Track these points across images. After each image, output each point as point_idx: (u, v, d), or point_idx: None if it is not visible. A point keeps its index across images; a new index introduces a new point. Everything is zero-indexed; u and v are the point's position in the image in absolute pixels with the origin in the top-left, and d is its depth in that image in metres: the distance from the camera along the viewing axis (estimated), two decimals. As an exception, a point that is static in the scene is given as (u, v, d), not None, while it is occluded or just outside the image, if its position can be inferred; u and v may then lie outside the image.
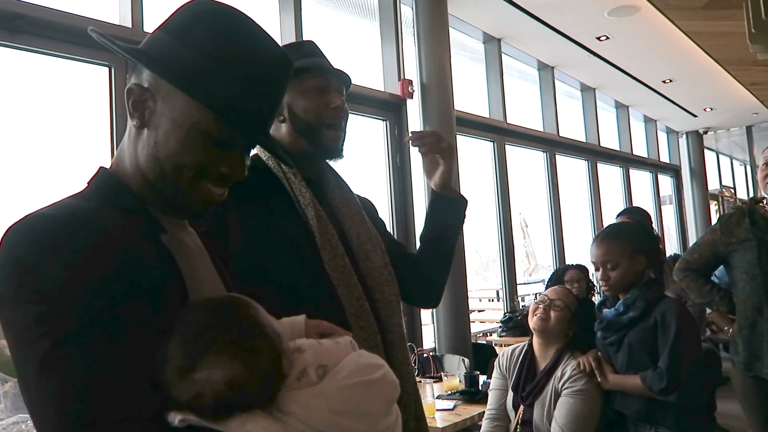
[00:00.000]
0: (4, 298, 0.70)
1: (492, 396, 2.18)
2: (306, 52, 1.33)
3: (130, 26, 2.72)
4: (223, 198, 0.85)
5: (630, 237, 1.98)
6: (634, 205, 7.41)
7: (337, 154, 1.31)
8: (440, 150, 1.40)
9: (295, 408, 0.69)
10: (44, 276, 0.68)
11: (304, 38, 3.42)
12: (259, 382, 0.69)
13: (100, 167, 0.86)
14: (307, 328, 0.85)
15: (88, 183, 0.84)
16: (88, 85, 2.72)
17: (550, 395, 1.96)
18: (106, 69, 2.63)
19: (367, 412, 0.73)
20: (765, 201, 2.34)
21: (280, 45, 0.90)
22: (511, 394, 2.10)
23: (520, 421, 2.01)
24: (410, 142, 1.42)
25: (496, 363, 2.24)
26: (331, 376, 0.73)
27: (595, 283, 4.64)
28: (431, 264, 1.44)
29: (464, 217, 1.46)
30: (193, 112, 0.79)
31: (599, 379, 1.93)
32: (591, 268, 4.54)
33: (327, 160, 1.34)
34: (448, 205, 1.43)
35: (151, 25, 2.79)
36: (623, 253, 1.93)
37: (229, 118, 0.80)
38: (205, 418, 0.66)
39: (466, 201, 1.46)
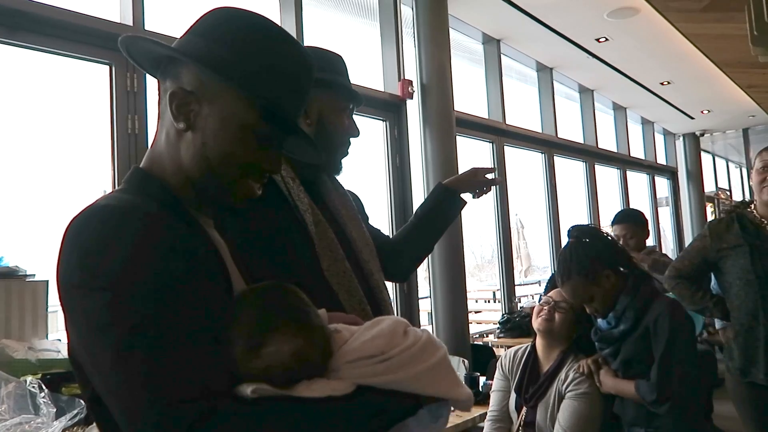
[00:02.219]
0: (73, 286, 0.72)
1: (494, 397, 2.18)
2: (338, 69, 1.37)
3: (131, 24, 2.70)
4: (260, 193, 0.90)
5: (582, 267, 1.88)
6: (631, 206, 7.44)
7: (339, 170, 1.40)
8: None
9: (345, 364, 0.81)
10: (111, 261, 0.71)
11: (305, 39, 3.41)
12: (318, 352, 0.79)
13: (134, 166, 0.90)
14: (331, 319, 0.91)
15: (124, 181, 0.88)
16: (88, 83, 2.71)
17: (553, 397, 1.96)
18: (107, 67, 2.62)
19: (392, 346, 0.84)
20: (753, 205, 2.34)
21: (310, 47, 0.95)
22: (513, 395, 2.10)
23: (522, 423, 2.01)
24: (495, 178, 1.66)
25: (498, 364, 2.24)
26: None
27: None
28: (420, 242, 1.61)
29: (459, 212, 1.66)
30: (241, 110, 0.83)
31: (598, 383, 1.93)
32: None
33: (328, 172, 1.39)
34: (455, 201, 1.61)
35: (152, 23, 2.78)
36: (585, 286, 1.88)
37: (274, 113, 0.85)
38: (275, 386, 0.75)
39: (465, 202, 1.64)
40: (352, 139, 1.40)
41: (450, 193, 1.60)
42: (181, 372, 0.69)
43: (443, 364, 0.88)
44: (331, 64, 1.34)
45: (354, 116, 1.40)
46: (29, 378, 1.62)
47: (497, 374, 2.21)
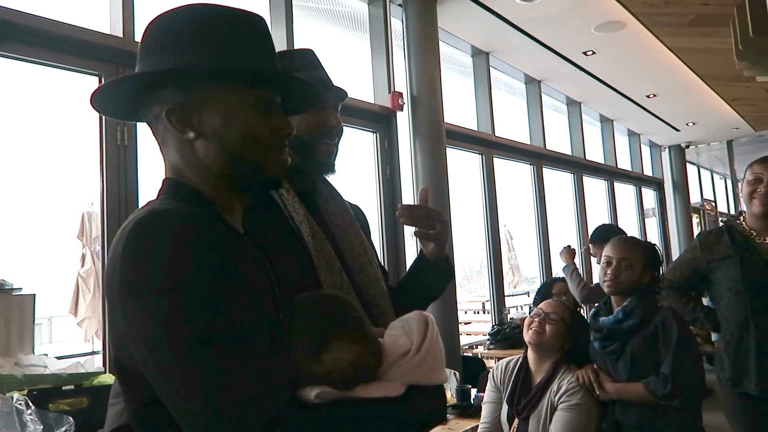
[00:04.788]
0: (133, 287, 0.73)
1: (486, 409, 2.17)
2: (305, 63, 1.30)
3: (121, 35, 2.69)
4: (289, 162, 0.94)
5: (648, 251, 2.13)
6: (618, 218, 7.50)
7: (330, 169, 1.31)
8: (434, 236, 1.28)
9: (388, 367, 0.85)
10: (173, 263, 0.72)
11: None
12: (373, 360, 0.84)
13: (166, 177, 0.91)
14: None
15: (158, 193, 0.89)
16: (77, 95, 2.69)
17: (545, 409, 1.96)
18: (96, 78, 2.61)
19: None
20: (743, 217, 2.37)
21: (280, 51, 0.97)
22: (505, 407, 2.09)
23: (515, 435, 2.00)
24: (399, 216, 1.27)
25: (489, 375, 2.23)
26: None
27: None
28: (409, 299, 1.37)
29: (447, 283, 1.40)
30: (235, 96, 0.86)
31: (597, 392, 1.94)
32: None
33: (319, 175, 1.32)
34: (436, 272, 1.36)
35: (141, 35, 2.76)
36: (640, 259, 2.06)
37: (260, 80, 0.88)
38: (336, 389, 0.78)
39: (452, 266, 1.40)
40: (340, 138, 1.31)
41: (427, 263, 1.36)
42: (249, 373, 0.71)
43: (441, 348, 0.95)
44: (293, 61, 1.26)
45: (330, 109, 1.28)
46: (15, 394, 1.59)
47: (489, 386, 2.21)
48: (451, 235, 4.10)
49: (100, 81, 2.59)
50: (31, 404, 1.54)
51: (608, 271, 2.05)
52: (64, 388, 1.75)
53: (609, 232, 3.36)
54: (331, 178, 1.37)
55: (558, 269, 4.59)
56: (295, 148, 1.24)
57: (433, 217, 1.26)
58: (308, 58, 1.32)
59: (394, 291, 1.40)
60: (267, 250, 1.16)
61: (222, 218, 0.87)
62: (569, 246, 4.06)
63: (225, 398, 0.68)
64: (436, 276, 1.38)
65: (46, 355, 1.97)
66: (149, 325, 0.72)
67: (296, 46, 3.46)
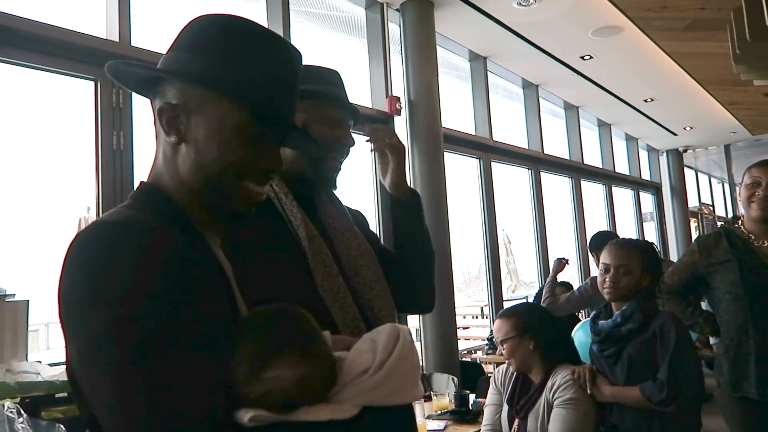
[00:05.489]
0: (76, 302, 0.70)
1: (488, 411, 2.19)
2: (330, 80, 1.33)
3: (117, 40, 2.68)
4: (264, 196, 0.89)
5: (646, 253, 2.11)
6: (616, 222, 7.50)
7: (333, 184, 1.34)
8: (390, 146, 1.39)
9: (343, 387, 0.79)
10: (115, 277, 0.69)
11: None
12: (321, 381, 0.78)
13: (142, 182, 0.88)
14: (334, 343, 0.89)
15: (130, 197, 0.86)
16: (74, 99, 2.68)
17: (542, 407, 1.97)
18: (92, 83, 2.59)
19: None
20: (741, 221, 2.36)
21: (304, 65, 0.95)
22: (506, 407, 2.11)
23: (514, 434, 2.00)
24: (366, 135, 1.40)
25: (491, 379, 2.26)
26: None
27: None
28: (409, 268, 1.43)
29: (422, 218, 1.44)
30: (227, 113, 0.83)
31: (590, 391, 1.93)
32: (575, 284, 4.60)
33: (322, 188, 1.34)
34: (404, 209, 1.43)
35: (138, 39, 2.76)
36: (637, 264, 2.04)
37: (261, 111, 0.85)
38: (274, 412, 0.73)
39: (419, 198, 1.44)
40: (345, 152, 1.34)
41: (395, 201, 1.43)
42: (182, 393, 0.67)
43: (416, 363, 0.88)
44: (319, 76, 1.31)
45: (346, 128, 1.33)
46: (7, 402, 1.57)
47: (491, 389, 2.23)
48: (449, 239, 4.10)
49: (96, 86, 2.58)
50: (23, 412, 1.52)
51: (606, 279, 2.04)
52: (57, 395, 1.73)
53: (605, 239, 3.36)
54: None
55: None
56: (308, 156, 1.27)
57: (391, 131, 1.42)
58: (331, 77, 1.35)
59: (394, 260, 1.42)
60: (263, 253, 1.17)
61: (194, 229, 0.84)
62: (562, 258, 4.07)
63: (153, 423, 0.65)
64: (405, 213, 1.42)
65: (40, 362, 1.95)
66: (83, 341, 0.70)
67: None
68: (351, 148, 1.35)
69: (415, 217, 1.44)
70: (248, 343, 0.76)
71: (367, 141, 1.40)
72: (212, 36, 0.85)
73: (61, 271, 0.73)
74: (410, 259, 1.43)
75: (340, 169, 1.34)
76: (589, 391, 1.93)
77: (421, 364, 1.10)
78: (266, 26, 0.96)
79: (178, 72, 0.84)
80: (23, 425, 1.47)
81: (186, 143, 0.84)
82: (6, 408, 1.51)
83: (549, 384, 1.99)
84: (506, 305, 5.94)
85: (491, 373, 3.11)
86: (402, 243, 1.44)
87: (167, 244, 0.74)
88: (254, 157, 0.85)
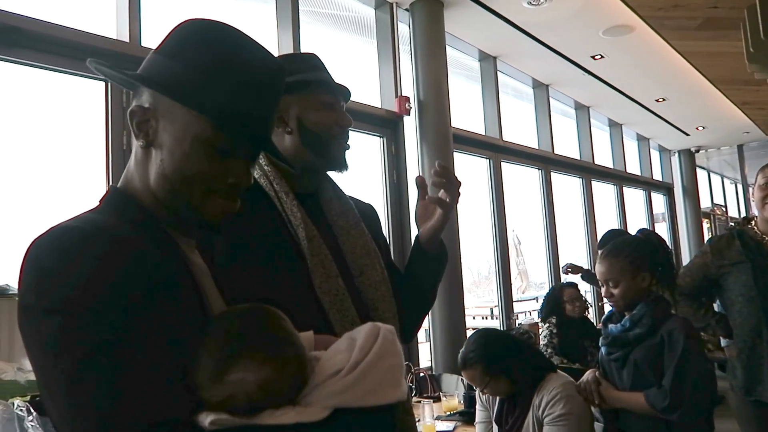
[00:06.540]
0: (28, 308, 0.69)
1: (479, 429, 2.17)
2: (313, 65, 1.32)
3: (127, 41, 2.69)
4: (236, 208, 0.86)
5: (632, 254, 1.93)
6: (627, 223, 7.44)
7: (344, 165, 1.32)
8: (451, 197, 1.32)
9: (313, 388, 0.76)
10: (68, 284, 0.68)
11: (302, 54, 3.41)
12: (287, 384, 0.74)
13: (111, 186, 0.87)
14: (317, 343, 0.87)
15: (100, 201, 0.85)
16: (84, 100, 2.69)
17: (532, 425, 1.92)
18: (103, 84, 2.61)
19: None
20: (754, 221, 2.33)
21: (281, 56, 0.92)
22: (495, 428, 2.06)
23: (507, 454, 1.97)
24: (435, 171, 1.32)
25: (476, 396, 2.20)
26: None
27: (588, 300, 4.63)
28: (404, 304, 1.37)
29: (441, 273, 1.42)
30: (192, 123, 0.81)
31: (597, 402, 1.90)
32: (582, 286, 4.57)
33: (332, 172, 1.34)
34: (429, 263, 1.39)
35: (148, 40, 2.77)
36: (623, 272, 1.90)
37: (228, 125, 0.82)
38: (236, 416, 0.70)
39: (446, 255, 1.42)
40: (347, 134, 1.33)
41: (421, 253, 1.39)
42: (133, 402, 0.65)
43: (399, 363, 0.84)
44: (301, 63, 1.30)
45: (340, 108, 1.32)
46: (17, 401, 1.58)
47: (478, 405, 2.19)
48: (459, 240, 4.09)
49: (106, 86, 2.60)
50: (32, 411, 1.52)
51: (603, 292, 1.97)
52: (66, 394, 1.73)
53: (611, 238, 3.33)
54: (338, 181, 1.38)
55: (566, 275, 4.55)
56: (310, 146, 1.26)
57: (458, 182, 1.34)
58: (314, 61, 1.34)
59: (402, 279, 1.40)
60: (261, 253, 1.16)
61: (164, 233, 0.82)
62: (568, 267, 4.09)
63: (105, 429, 0.64)
64: (427, 267, 1.40)
65: (50, 360, 1.96)
66: (35, 349, 0.69)
67: (303, 51, 3.46)
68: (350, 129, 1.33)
69: (434, 271, 1.42)
70: (211, 345, 0.74)
71: (434, 173, 1.32)
72: (192, 43, 0.84)
73: (19, 274, 0.72)
74: (410, 298, 1.39)
75: (348, 147, 1.33)
76: (597, 403, 1.89)
77: (405, 362, 1.06)
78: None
79: (149, 78, 0.84)
80: (33, 423, 1.48)
81: (154, 148, 0.83)
82: (16, 406, 1.52)
83: (536, 401, 1.92)
84: (516, 306, 5.92)
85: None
86: (409, 284, 1.41)
87: (124, 252, 0.72)
88: (220, 171, 0.82)
